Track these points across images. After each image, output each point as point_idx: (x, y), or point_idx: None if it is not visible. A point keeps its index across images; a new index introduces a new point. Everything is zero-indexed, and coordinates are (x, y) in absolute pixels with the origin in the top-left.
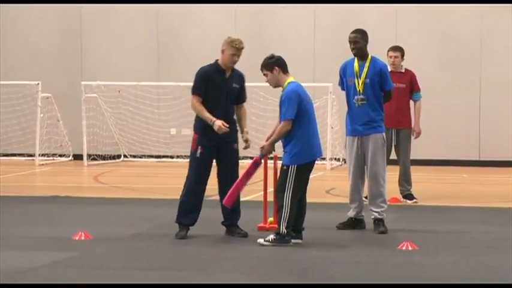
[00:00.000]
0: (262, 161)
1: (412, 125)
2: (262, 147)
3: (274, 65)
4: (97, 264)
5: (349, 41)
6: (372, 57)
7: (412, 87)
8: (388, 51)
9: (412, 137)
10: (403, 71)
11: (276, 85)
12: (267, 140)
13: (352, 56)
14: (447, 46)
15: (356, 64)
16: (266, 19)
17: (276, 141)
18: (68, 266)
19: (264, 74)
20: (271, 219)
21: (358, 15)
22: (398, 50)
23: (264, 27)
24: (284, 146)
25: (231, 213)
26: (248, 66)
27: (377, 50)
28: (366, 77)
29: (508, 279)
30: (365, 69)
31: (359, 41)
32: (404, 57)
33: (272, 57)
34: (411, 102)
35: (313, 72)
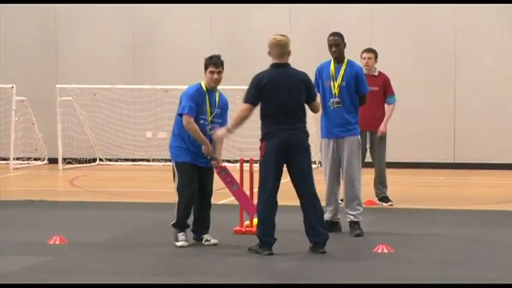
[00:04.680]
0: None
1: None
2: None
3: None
4: (72, 268)
5: (330, 44)
6: (349, 61)
7: (385, 90)
8: (362, 53)
9: (379, 136)
10: (377, 74)
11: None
12: None
13: (328, 58)
14: (422, 47)
15: (332, 67)
16: (241, 20)
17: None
18: (43, 270)
19: (220, 72)
20: (247, 222)
21: (334, 15)
22: (371, 51)
23: (240, 28)
24: None
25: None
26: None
27: (352, 50)
28: (342, 80)
29: (482, 281)
30: (341, 72)
31: (340, 43)
32: (378, 59)
33: (220, 56)
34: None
35: None
